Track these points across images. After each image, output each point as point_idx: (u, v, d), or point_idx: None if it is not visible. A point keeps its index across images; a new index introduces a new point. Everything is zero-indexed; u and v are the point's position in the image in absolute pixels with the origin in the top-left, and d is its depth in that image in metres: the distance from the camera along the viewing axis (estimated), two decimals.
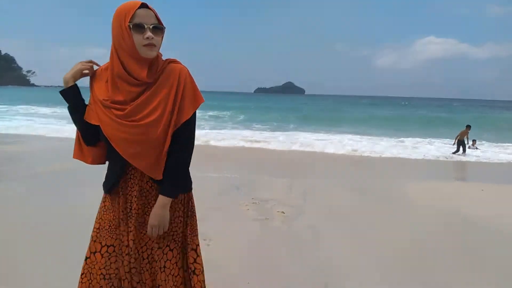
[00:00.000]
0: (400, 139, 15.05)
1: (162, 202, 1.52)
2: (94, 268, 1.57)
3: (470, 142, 12.55)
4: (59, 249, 3.19)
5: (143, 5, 1.45)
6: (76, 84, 1.58)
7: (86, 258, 1.59)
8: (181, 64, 1.58)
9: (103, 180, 1.64)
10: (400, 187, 6.26)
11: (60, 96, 1.59)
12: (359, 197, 5.55)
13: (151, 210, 1.55)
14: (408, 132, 17.24)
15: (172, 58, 1.59)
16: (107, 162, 1.67)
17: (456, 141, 12.09)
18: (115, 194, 1.59)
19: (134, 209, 1.56)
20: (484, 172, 9.44)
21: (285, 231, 3.95)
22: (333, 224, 4.23)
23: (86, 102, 1.61)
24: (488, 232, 4.15)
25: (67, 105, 1.59)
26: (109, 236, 1.59)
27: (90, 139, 1.61)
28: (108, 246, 1.59)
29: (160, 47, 1.52)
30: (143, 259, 1.59)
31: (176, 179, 1.55)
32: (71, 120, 1.62)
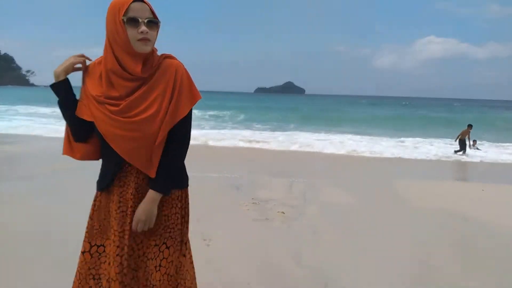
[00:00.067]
0: (400, 139, 15.04)
1: (152, 197, 1.49)
2: (83, 268, 1.55)
3: (471, 142, 12.55)
4: (59, 249, 3.18)
5: None
6: (67, 78, 1.54)
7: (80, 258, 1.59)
8: (177, 59, 1.55)
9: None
10: (400, 187, 6.25)
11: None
12: (359, 197, 5.54)
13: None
14: (408, 132, 17.24)
15: (167, 53, 1.56)
16: (100, 160, 1.63)
17: (458, 140, 12.09)
18: (109, 192, 1.55)
19: (131, 206, 1.52)
20: (485, 172, 9.43)
21: (285, 231, 3.94)
22: (333, 224, 4.22)
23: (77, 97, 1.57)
24: (489, 232, 4.14)
25: (57, 99, 1.55)
26: (100, 236, 1.56)
27: (80, 136, 1.58)
28: (98, 246, 1.55)
29: (155, 42, 1.49)
30: (139, 256, 1.54)
31: (169, 175, 1.52)
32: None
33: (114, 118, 1.44)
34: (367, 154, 11.10)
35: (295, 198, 5.26)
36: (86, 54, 1.58)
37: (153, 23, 1.45)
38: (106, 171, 1.56)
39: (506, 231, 4.20)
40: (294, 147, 12.01)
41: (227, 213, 4.47)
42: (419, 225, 4.33)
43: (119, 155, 1.47)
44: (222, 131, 16.51)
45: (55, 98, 1.56)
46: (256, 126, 20.62)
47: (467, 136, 12.21)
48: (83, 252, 1.56)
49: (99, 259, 1.55)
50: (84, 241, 1.57)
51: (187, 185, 1.65)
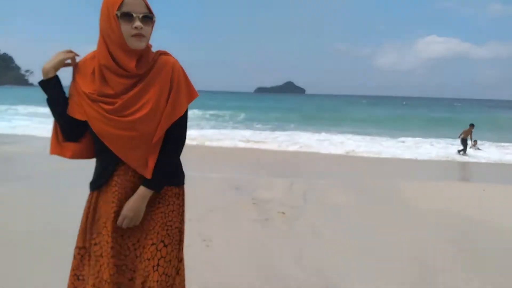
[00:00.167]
0: (400, 139, 15.03)
1: (143, 194, 1.45)
2: (71, 268, 1.54)
3: (472, 142, 12.54)
4: (59, 249, 3.16)
5: None
6: (57, 75, 1.47)
7: None
8: (172, 56, 1.51)
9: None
10: (401, 187, 6.23)
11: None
12: (359, 198, 5.52)
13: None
14: (409, 132, 17.22)
15: (162, 50, 1.52)
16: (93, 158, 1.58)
17: (460, 140, 12.08)
18: (103, 192, 1.50)
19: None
20: (485, 172, 9.42)
21: (285, 231, 3.93)
22: (333, 225, 4.20)
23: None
24: (489, 232, 4.13)
25: (46, 97, 1.48)
26: (81, 238, 1.52)
27: (71, 135, 1.52)
28: (80, 248, 1.52)
29: (149, 38, 1.44)
30: (136, 257, 1.49)
31: (162, 173, 1.47)
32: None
33: (109, 117, 1.39)
34: (367, 154, 11.08)
35: (295, 198, 5.24)
36: (86, 53, 1.53)
37: (148, 18, 1.40)
38: (101, 170, 1.51)
39: (507, 231, 4.18)
40: (294, 147, 12.00)
41: (227, 213, 4.45)
42: (419, 225, 4.31)
43: (115, 154, 1.43)
44: (222, 131, 16.52)
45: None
46: (256, 126, 20.63)
47: (469, 136, 12.20)
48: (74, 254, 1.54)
49: (81, 261, 1.52)
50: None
51: (183, 183, 1.61)
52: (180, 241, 1.57)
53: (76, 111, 1.44)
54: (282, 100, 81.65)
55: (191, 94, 1.51)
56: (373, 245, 3.64)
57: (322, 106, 50.61)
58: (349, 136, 15.65)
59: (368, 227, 4.18)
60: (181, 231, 1.57)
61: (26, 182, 5.56)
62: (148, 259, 1.46)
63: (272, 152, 11.12)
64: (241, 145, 12.37)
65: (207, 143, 12.23)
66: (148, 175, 1.45)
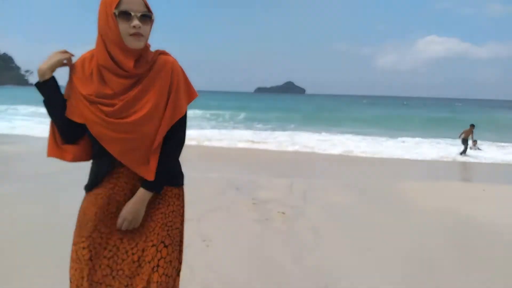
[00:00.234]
0: (401, 139, 15.04)
1: (143, 196, 1.42)
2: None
3: (472, 143, 12.54)
4: (59, 249, 3.16)
5: None
6: (54, 76, 1.42)
7: None
8: (171, 56, 1.49)
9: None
10: (401, 187, 6.23)
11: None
12: (359, 198, 5.52)
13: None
14: (409, 132, 17.23)
15: (161, 49, 1.49)
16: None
17: (461, 140, 12.08)
18: (99, 194, 1.46)
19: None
20: (485, 172, 9.42)
21: (285, 231, 3.92)
22: (333, 225, 4.20)
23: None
24: (489, 232, 4.12)
25: (43, 99, 1.43)
26: (82, 239, 1.46)
27: (70, 137, 1.47)
28: (72, 251, 1.48)
29: (148, 38, 1.41)
30: (133, 261, 1.44)
31: (162, 174, 1.45)
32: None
33: (109, 120, 1.35)
34: (367, 154, 11.08)
35: (295, 198, 5.24)
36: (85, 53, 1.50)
37: (147, 17, 1.37)
38: (97, 172, 1.47)
39: (507, 231, 4.18)
40: (294, 147, 12.00)
41: (227, 213, 4.45)
42: (419, 225, 4.31)
43: (112, 157, 1.40)
44: (222, 131, 16.52)
45: None
46: (256, 126, 20.64)
47: (470, 136, 12.21)
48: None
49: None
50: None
51: (183, 183, 1.58)
52: (181, 242, 1.54)
53: (74, 114, 1.40)
54: (282, 100, 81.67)
55: (190, 94, 1.49)
56: (373, 244, 3.64)
57: (322, 106, 50.62)
58: (349, 136, 15.66)
59: (368, 227, 4.18)
60: (181, 232, 1.55)
61: (26, 182, 5.56)
62: (148, 262, 1.42)
63: (272, 152, 11.12)
64: (241, 145, 12.36)
65: (207, 143, 12.23)
66: (151, 177, 1.42)
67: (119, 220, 1.43)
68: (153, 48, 1.48)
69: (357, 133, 16.59)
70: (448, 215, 4.74)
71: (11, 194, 4.92)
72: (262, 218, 4.28)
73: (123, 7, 1.32)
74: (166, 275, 1.43)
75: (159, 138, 1.41)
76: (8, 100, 37.08)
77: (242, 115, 28.29)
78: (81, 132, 1.46)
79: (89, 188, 1.48)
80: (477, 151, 12.32)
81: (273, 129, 18.74)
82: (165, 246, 1.45)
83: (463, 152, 11.67)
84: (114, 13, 1.32)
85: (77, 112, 1.39)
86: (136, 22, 1.33)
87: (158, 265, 1.42)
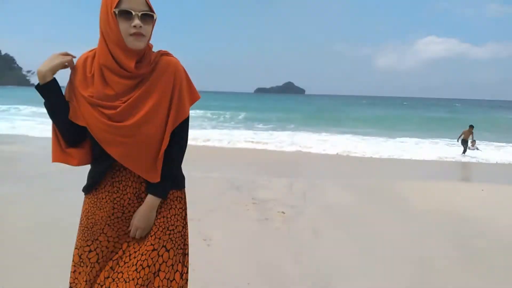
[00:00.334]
0: (400, 139, 15.07)
1: (152, 203, 1.40)
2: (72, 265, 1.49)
3: (470, 143, 12.57)
4: (59, 249, 3.19)
5: None
6: (55, 78, 1.38)
7: None
8: (174, 57, 1.45)
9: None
10: (400, 187, 6.25)
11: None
12: (359, 198, 5.54)
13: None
14: (409, 132, 17.26)
15: (164, 50, 1.45)
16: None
17: (461, 141, 12.11)
18: (100, 197, 1.44)
19: (129, 212, 1.44)
20: (484, 173, 9.44)
21: (285, 231, 3.95)
22: (333, 224, 4.22)
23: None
24: (488, 232, 4.14)
25: (44, 101, 1.39)
26: (85, 243, 1.45)
27: (72, 140, 1.43)
28: (74, 255, 1.47)
29: (150, 38, 1.37)
30: (133, 265, 1.39)
31: (169, 179, 1.43)
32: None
33: (110, 123, 1.32)
34: (367, 154, 11.10)
35: (295, 198, 5.26)
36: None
37: (148, 16, 1.32)
38: (98, 175, 1.43)
39: (506, 231, 4.20)
40: (294, 147, 12.02)
41: (227, 213, 4.47)
42: (418, 225, 4.33)
43: (113, 159, 1.37)
44: (223, 131, 16.55)
45: None
46: (257, 126, 20.68)
47: (469, 137, 12.25)
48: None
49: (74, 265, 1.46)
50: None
51: (184, 186, 1.55)
52: (185, 245, 1.49)
53: (77, 116, 1.36)
54: (282, 100, 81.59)
55: (193, 96, 1.48)
56: (372, 245, 3.66)
57: (322, 107, 50.61)
58: (349, 136, 15.70)
59: (368, 226, 4.20)
60: (184, 236, 1.50)
61: (27, 182, 5.58)
62: (148, 266, 1.37)
63: (272, 152, 11.14)
64: (241, 145, 12.39)
65: (207, 143, 12.26)
66: (155, 179, 1.40)
67: (132, 230, 1.42)
68: (154, 49, 1.46)
69: (357, 133, 16.63)
70: (447, 215, 4.76)
71: (11, 194, 4.94)
72: (262, 218, 4.30)
73: (124, 6, 1.28)
74: (168, 279, 1.39)
75: (165, 141, 1.38)
76: (9, 100, 37.10)
77: (242, 115, 28.31)
78: (84, 135, 1.43)
79: (88, 190, 1.46)
80: (476, 151, 12.35)
81: (273, 129, 18.78)
82: (167, 251, 1.42)
83: (463, 153, 11.71)
84: (114, 12, 1.28)
85: (79, 115, 1.36)
86: (136, 21, 1.29)
87: (159, 270, 1.38)
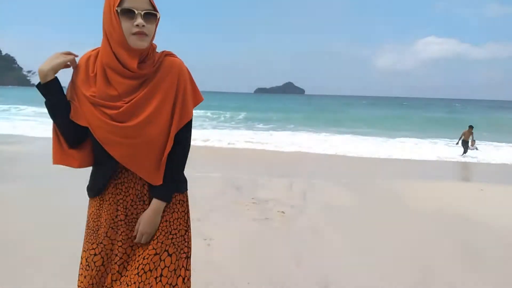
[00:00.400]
0: (400, 139, 15.08)
1: (157, 207, 1.38)
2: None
3: (470, 143, 12.58)
4: (59, 249, 3.20)
5: None
6: (56, 77, 1.34)
7: None
8: (178, 57, 1.43)
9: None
10: (400, 187, 6.26)
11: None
12: (359, 198, 5.55)
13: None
14: (408, 133, 17.28)
15: (168, 50, 1.43)
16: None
17: (462, 142, 12.13)
18: (104, 199, 1.42)
19: (132, 214, 1.42)
20: (484, 172, 9.45)
21: (285, 231, 3.96)
22: (333, 224, 4.23)
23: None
24: (488, 232, 4.15)
25: (44, 101, 1.36)
26: (90, 246, 1.44)
27: (73, 140, 1.40)
28: (81, 258, 1.47)
29: (153, 37, 1.34)
30: (135, 268, 1.38)
31: (173, 182, 1.42)
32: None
33: (112, 124, 1.29)
34: (367, 155, 11.11)
35: (295, 198, 5.27)
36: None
37: (152, 15, 1.29)
38: (100, 177, 1.41)
39: (506, 231, 4.21)
40: (294, 147, 12.03)
41: (227, 213, 4.48)
42: (418, 225, 4.34)
43: (115, 161, 1.35)
44: (223, 131, 16.56)
45: None
46: (257, 126, 20.71)
47: (469, 137, 12.27)
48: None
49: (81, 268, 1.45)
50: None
51: (186, 189, 1.52)
52: (188, 249, 1.48)
53: (79, 116, 1.33)
54: (282, 100, 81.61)
55: (197, 97, 1.46)
56: (372, 244, 3.67)
57: (321, 107, 50.63)
58: (349, 136, 15.72)
59: (368, 226, 4.21)
60: (187, 239, 1.48)
61: (27, 182, 5.58)
62: (150, 271, 1.35)
63: (272, 152, 11.15)
64: (241, 145, 12.40)
65: (208, 143, 12.27)
66: (157, 182, 1.38)
67: (138, 235, 1.39)
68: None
69: (357, 133, 16.65)
70: (447, 215, 4.76)
71: (11, 194, 4.95)
72: (262, 218, 4.31)
73: (126, 4, 1.26)
74: (170, 284, 1.37)
75: (169, 144, 1.36)
76: (10, 100, 37.13)
77: (242, 115, 28.34)
78: (85, 136, 1.40)
79: (93, 193, 1.45)
80: (475, 151, 12.37)
81: (273, 129, 18.80)
82: (169, 255, 1.40)
83: (463, 153, 11.73)
84: (117, 11, 1.26)
85: (81, 115, 1.33)
86: (139, 20, 1.26)
87: (161, 275, 1.36)
